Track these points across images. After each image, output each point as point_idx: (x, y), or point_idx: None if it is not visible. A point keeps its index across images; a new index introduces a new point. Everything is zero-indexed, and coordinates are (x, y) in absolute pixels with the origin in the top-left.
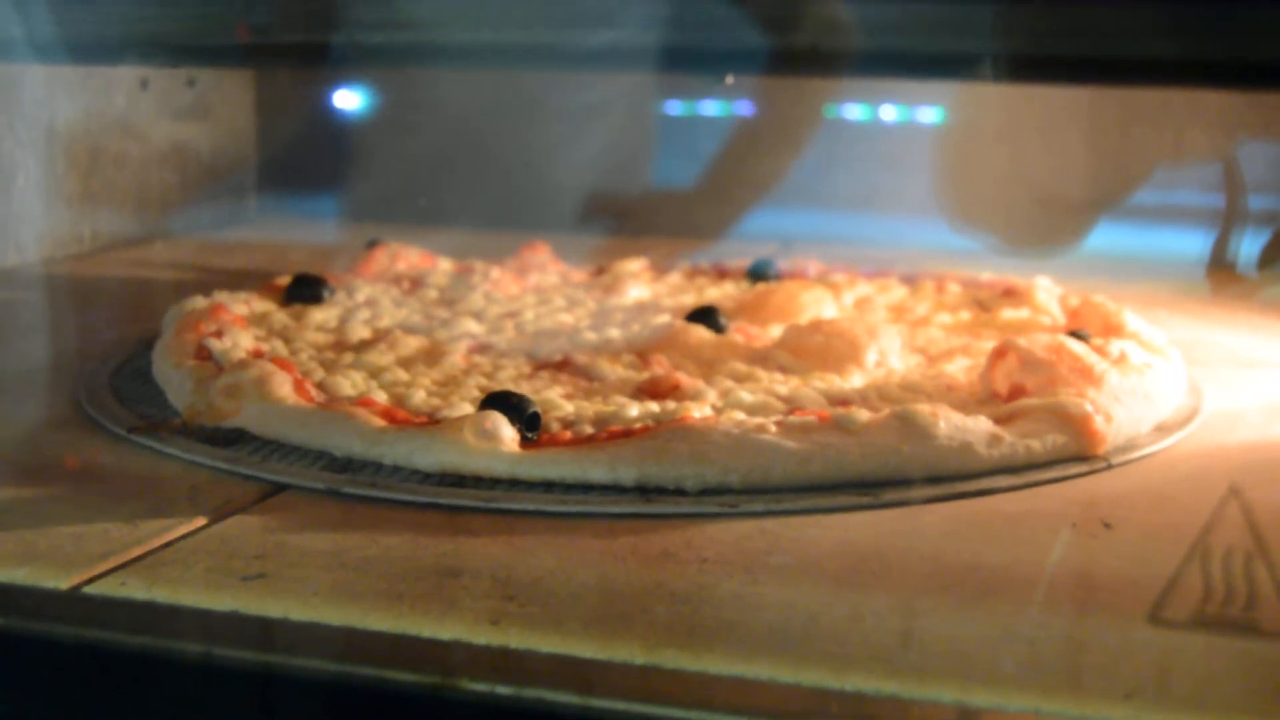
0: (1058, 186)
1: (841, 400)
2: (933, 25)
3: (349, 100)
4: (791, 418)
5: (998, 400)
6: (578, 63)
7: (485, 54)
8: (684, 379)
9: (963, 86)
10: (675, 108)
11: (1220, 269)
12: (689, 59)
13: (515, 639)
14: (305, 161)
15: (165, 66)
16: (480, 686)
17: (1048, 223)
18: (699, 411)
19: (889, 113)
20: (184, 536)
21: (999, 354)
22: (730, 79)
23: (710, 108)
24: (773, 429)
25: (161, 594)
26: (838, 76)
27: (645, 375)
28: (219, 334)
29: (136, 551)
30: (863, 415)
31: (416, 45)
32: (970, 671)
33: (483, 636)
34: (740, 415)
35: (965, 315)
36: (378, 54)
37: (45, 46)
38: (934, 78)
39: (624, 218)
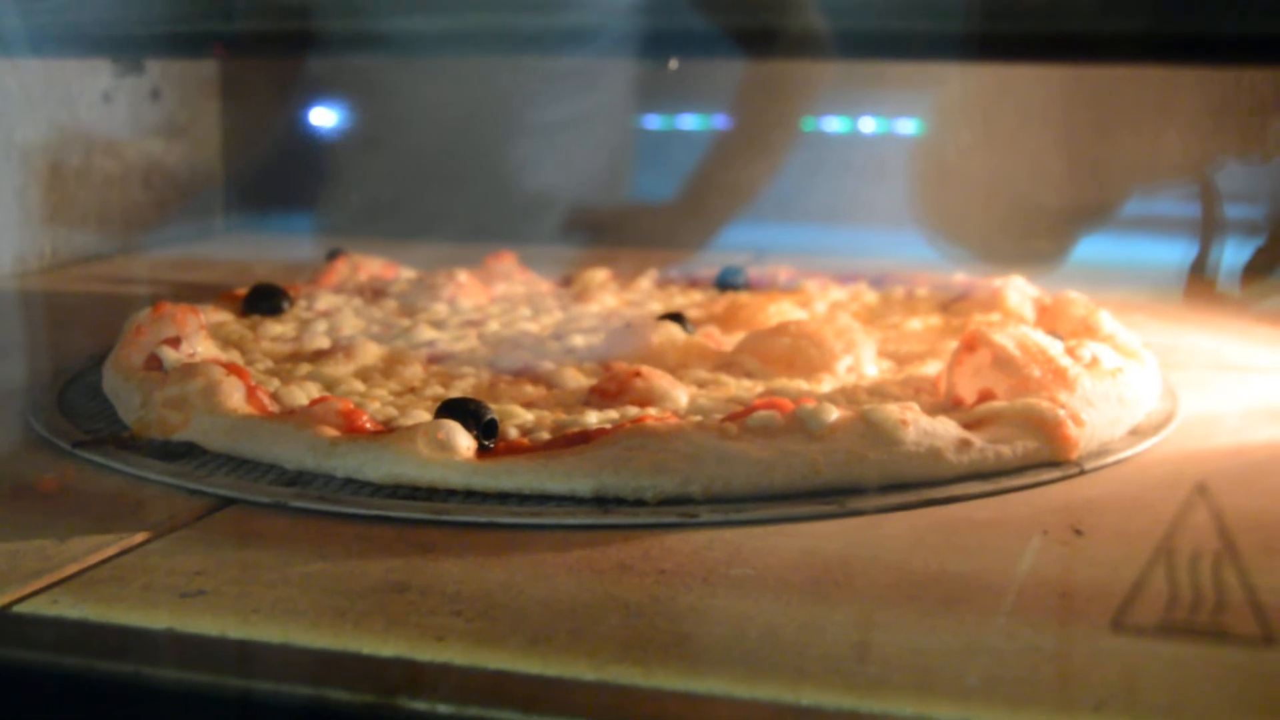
0: (1037, 201)
1: None
2: (904, 5)
3: (325, 118)
4: (756, 414)
5: (961, 406)
6: (539, 47)
7: (444, 40)
8: (647, 370)
9: (940, 99)
10: (654, 122)
11: (1199, 285)
12: (659, 44)
13: (459, 656)
14: (276, 178)
15: (134, 63)
16: (420, 705)
17: (1027, 238)
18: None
19: (868, 125)
20: (123, 553)
21: (968, 347)
22: (675, 63)
23: (689, 122)
24: (734, 432)
25: (94, 612)
26: (816, 59)
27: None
28: (176, 341)
29: (72, 569)
30: (830, 412)
31: (379, 34)
32: (932, 684)
33: (426, 653)
34: (698, 418)
35: (935, 320)
36: (344, 44)
37: (7, 40)
38: (910, 59)
39: (602, 232)
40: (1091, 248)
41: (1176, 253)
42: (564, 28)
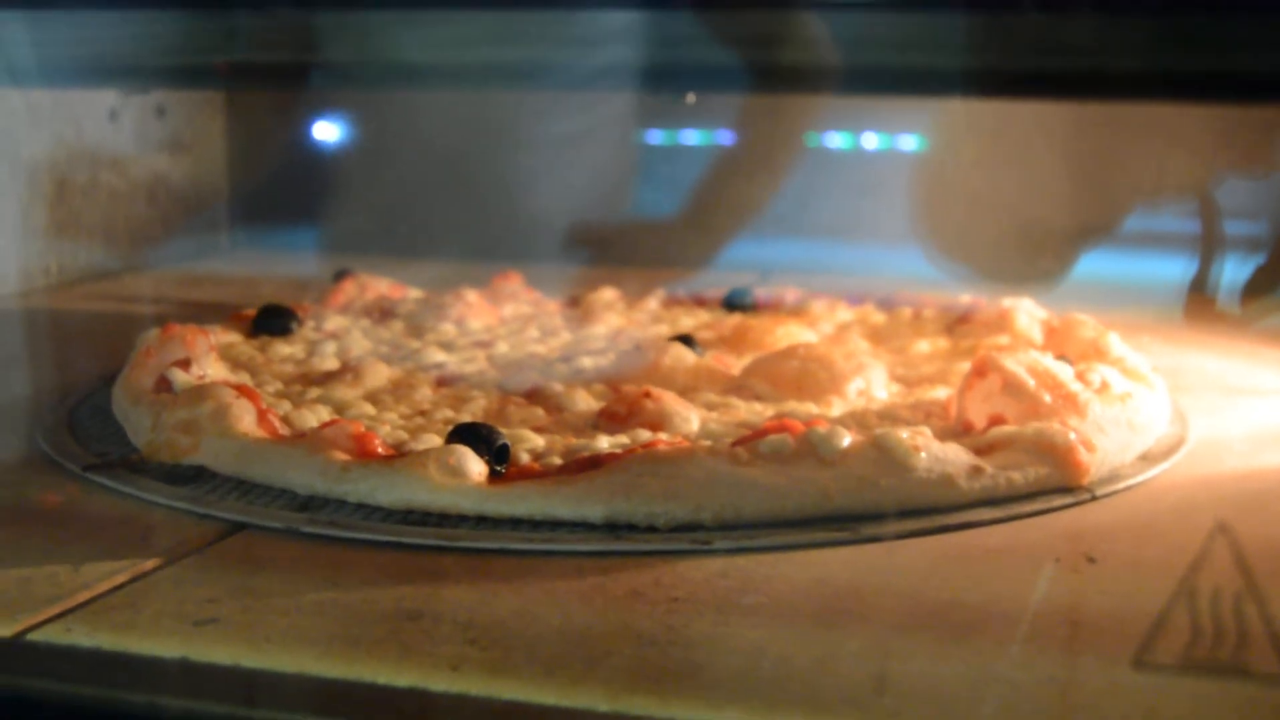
0: (1040, 218)
1: None
2: (911, 40)
3: (328, 132)
4: (767, 438)
5: (972, 431)
6: (550, 81)
7: (457, 74)
8: (656, 391)
9: (943, 115)
10: (656, 137)
11: (1199, 303)
12: (665, 78)
13: (475, 685)
14: (281, 194)
15: (140, 88)
16: None
17: (1029, 256)
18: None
19: (870, 140)
20: (135, 579)
21: (979, 373)
22: (692, 98)
23: (692, 137)
24: (745, 457)
25: (107, 640)
26: (816, 93)
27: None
28: (186, 363)
29: (84, 596)
30: (843, 437)
31: (390, 65)
32: (948, 715)
33: (441, 683)
34: (708, 443)
35: (943, 343)
36: (352, 75)
37: (18, 70)
38: (910, 94)
39: (605, 248)
40: (1090, 264)
41: (1176, 269)
42: (571, 62)
